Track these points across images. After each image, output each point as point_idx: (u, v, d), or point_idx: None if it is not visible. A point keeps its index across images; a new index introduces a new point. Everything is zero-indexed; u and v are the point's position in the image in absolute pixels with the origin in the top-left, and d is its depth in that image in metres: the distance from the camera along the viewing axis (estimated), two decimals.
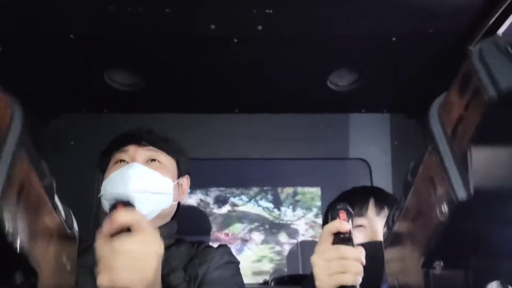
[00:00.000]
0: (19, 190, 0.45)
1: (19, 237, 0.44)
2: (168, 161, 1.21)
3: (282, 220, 5.07)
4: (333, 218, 0.94)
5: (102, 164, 1.23)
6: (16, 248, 0.44)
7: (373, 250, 1.06)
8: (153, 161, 1.18)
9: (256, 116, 1.76)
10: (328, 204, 1.35)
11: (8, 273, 0.49)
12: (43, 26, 1.22)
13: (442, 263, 0.54)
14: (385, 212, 1.19)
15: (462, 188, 0.46)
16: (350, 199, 1.25)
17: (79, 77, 1.51)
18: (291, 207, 5.02)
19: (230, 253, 1.18)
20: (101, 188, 1.17)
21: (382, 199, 1.22)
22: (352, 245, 0.89)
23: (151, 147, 1.19)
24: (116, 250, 0.67)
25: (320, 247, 0.90)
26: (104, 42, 1.31)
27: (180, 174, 1.24)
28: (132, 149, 1.18)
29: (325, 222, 1.31)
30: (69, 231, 0.67)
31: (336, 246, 0.88)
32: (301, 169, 2.49)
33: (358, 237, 1.16)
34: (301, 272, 2.70)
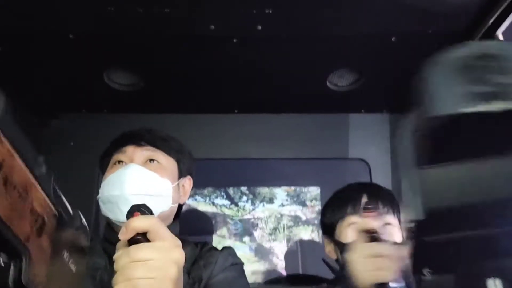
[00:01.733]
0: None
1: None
2: (167, 162, 1.17)
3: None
4: (363, 217, 0.96)
5: (102, 165, 1.21)
6: None
7: None
8: (151, 162, 1.15)
9: (255, 116, 1.76)
10: (325, 204, 1.35)
11: None
12: (43, 26, 1.22)
13: (430, 270, 0.54)
14: (382, 211, 1.18)
15: (415, 210, 0.47)
16: (344, 197, 1.25)
17: (79, 78, 1.51)
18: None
19: (234, 255, 1.16)
20: (99, 190, 1.14)
21: (375, 196, 1.22)
22: (382, 241, 0.91)
23: (150, 147, 1.15)
24: (133, 259, 0.65)
25: (355, 245, 0.93)
26: (104, 42, 1.31)
27: (181, 175, 1.20)
28: (130, 149, 1.15)
29: (323, 221, 1.31)
30: (74, 230, 0.66)
31: (371, 244, 0.90)
32: (300, 169, 2.49)
33: (353, 234, 1.16)
34: (300, 272, 2.70)
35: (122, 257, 0.66)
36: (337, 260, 1.24)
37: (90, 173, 1.65)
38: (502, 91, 0.43)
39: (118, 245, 0.68)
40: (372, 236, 0.91)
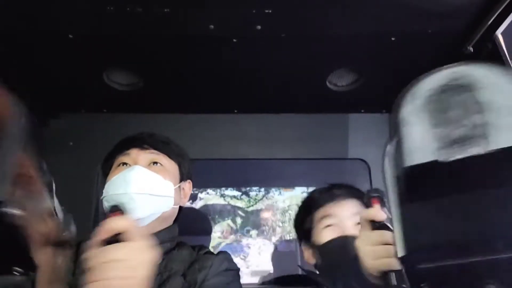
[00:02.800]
0: (22, 183, 0.46)
1: (22, 226, 0.45)
2: (170, 165, 1.21)
3: None
4: (367, 206, 0.96)
5: (105, 168, 1.24)
6: (19, 237, 0.44)
7: (343, 244, 1.11)
8: (155, 164, 1.19)
9: (255, 116, 1.76)
10: (296, 212, 1.35)
11: (9, 265, 0.49)
12: (42, 26, 1.22)
13: (427, 285, 0.54)
14: (358, 205, 1.19)
15: (400, 247, 0.48)
16: (317, 200, 1.26)
17: (78, 78, 1.51)
18: None
19: (230, 260, 1.18)
20: (104, 190, 1.17)
21: (349, 195, 1.24)
22: (390, 230, 0.90)
23: (153, 151, 1.19)
24: (107, 259, 0.66)
25: (363, 233, 0.93)
26: (103, 42, 1.30)
27: (182, 178, 1.24)
28: (134, 152, 1.19)
29: (297, 228, 1.31)
30: (65, 234, 0.66)
31: (380, 231, 0.90)
32: (300, 169, 2.49)
33: (330, 236, 1.17)
34: (300, 272, 2.70)
35: (96, 256, 0.67)
36: (315, 265, 1.25)
37: (90, 173, 1.65)
38: (477, 134, 0.43)
39: (92, 244, 0.70)
40: (380, 224, 0.91)
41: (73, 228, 0.70)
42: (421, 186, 0.46)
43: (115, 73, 1.51)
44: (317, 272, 1.25)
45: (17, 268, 0.49)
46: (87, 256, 0.68)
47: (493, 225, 0.44)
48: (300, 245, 1.33)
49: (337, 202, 1.22)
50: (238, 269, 1.19)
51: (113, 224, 0.69)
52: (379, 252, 0.88)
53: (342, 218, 1.20)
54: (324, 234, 1.19)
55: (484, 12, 1.16)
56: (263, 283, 2.57)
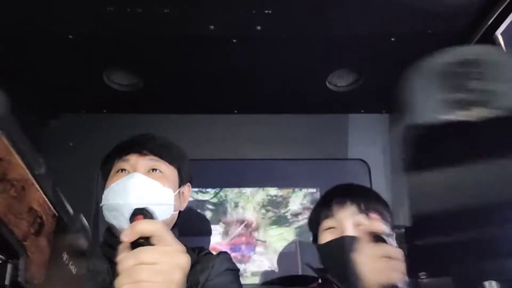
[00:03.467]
0: None
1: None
2: (169, 171, 1.20)
3: None
4: (365, 219, 0.97)
5: (104, 171, 1.23)
6: None
7: (341, 245, 1.10)
8: (154, 171, 1.18)
9: (255, 116, 1.76)
10: (312, 209, 1.35)
11: None
12: (42, 26, 1.22)
13: (425, 273, 0.54)
14: (363, 212, 1.19)
15: (403, 215, 0.48)
16: (324, 201, 1.25)
17: (78, 78, 1.51)
18: None
19: (230, 260, 1.19)
20: (103, 197, 1.16)
21: (358, 199, 1.21)
22: (388, 243, 0.92)
23: (152, 157, 1.18)
24: (139, 262, 0.64)
25: (362, 246, 0.93)
26: (103, 42, 1.31)
27: (181, 183, 1.23)
28: (133, 158, 1.17)
29: (310, 228, 1.31)
30: (75, 233, 0.66)
31: (380, 244, 0.90)
32: (299, 169, 2.49)
33: (328, 237, 1.17)
34: (300, 273, 2.70)
35: (128, 259, 0.65)
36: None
37: (90, 174, 1.65)
38: (482, 98, 0.43)
39: (121, 247, 0.68)
40: (379, 237, 0.92)
41: (87, 230, 0.69)
42: (426, 149, 0.46)
43: (115, 74, 1.51)
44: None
45: None
46: (118, 258, 0.67)
47: (491, 196, 0.44)
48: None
49: (340, 205, 1.21)
50: (238, 269, 1.20)
51: (140, 227, 0.67)
52: (380, 265, 0.88)
53: (344, 223, 1.20)
54: (325, 237, 1.19)
55: (484, 12, 1.16)
56: (263, 283, 2.57)
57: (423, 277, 0.54)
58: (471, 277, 0.52)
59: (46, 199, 0.57)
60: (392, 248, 0.91)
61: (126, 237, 0.67)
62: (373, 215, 0.97)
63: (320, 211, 1.23)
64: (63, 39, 1.26)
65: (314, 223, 1.25)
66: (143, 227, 0.67)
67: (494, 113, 0.42)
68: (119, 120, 1.72)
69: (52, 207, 0.58)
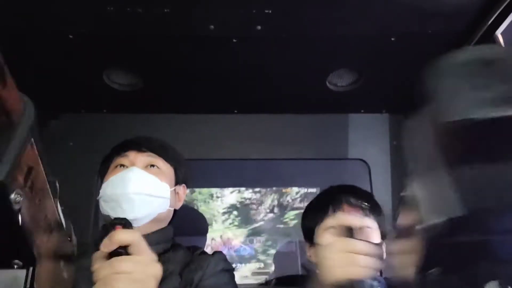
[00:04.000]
0: (26, 175, 0.46)
1: (25, 218, 0.45)
2: (166, 168, 1.24)
3: None
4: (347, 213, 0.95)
5: (102, 170, 1.27)
6: (20, 226, 0.44)
7: None
8: (152, 167, 1.22)
9: (255, 116, 1.76)
10: (305, 208, 1.35)
11: (8, 258, 0.49)
12: (42, 26, 1.22)
13: (438, 270, 0.54)
14: (361, 212, 1.18)
15: (454, 207, 0.47)
16: (322, 200, 1.25)
17: (78, 78, 1.50)
18: None
19: (225, 260, 1.20)
20: (100, 190, 1.19)
21: (356, 199, 1.21)
22: (362, 238, 0.89)
23: (150, 153, 1.23)
24: (116, 271, 0.67)
25: (331, 239, 0.91)
26: (103, 42, 1.30)
27: (177, 182, 1.27)
28: (132, 154, 1.22)
29: (303, 225, 1.31)
30: (68, 238, 0.66)
31: (344, 239, 0.87)
32: (299, 169, 2.49)
33: (331, 238, 1.16)
34: (300, 273, 2.70)
35: (104, 268, 0.67)
36: (317, 264, 1.24)
37: (90, 173, 1.65)
38: (510, 96, 0.43)
39: (96, 256, 0.70)
40: (348, 231, 0.88)
41: (73, 237, 0.70)
42: (474, 145, 0.45)
43: (115, 73, 1.51)
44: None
45: (16, 261, 0.49)
46: (94, 268, 0.69)
47: None
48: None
49: (342, 208, 1.20)
50: (233, 269, 1.21)
51: (119, 237, 0.69)
52: (343, 260, 0.84)
53: (347, 215, 1.19)
54: (325, 236, 1.18)
55: (484, 12, 1.16)
56: (263, 283, 2.57)
57: (435, 274, 0.54)
58: (478, 278, 0.52)
59: (55, 207, 0.58)
60: (359, 242, 0.86)
61: (106, 247, 0.69)
62: (358, 213, 0.95)
63: (319, 210, 1.22)
64: (63, 39, 1.26)
65: (311, 222, 1.24)
66: (122, 236, 0.70)
67: None
68: (119, 120, 1.72)
69: (57, 216, 0.59)
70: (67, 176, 1.58)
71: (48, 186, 0.54)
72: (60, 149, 1.68)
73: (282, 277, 2.42)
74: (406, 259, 0.69)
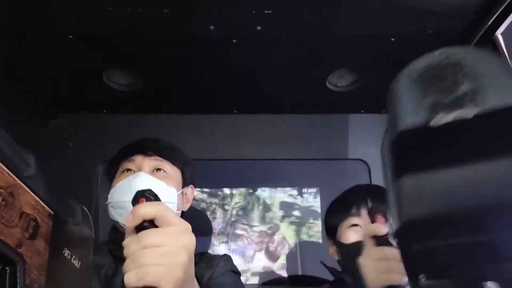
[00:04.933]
0: None
1: None
2: (173, 171, 1.24)
3: None
4: (372, 221, 0.97)
5: (109, 173, 1.27)
6: None
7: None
8: (158, 171, 1.22)
9: (255, 116, 1.76)
10: (329, 205, 1.35)
11: None
12: (42, 26, 1.22)
13: (425, 276, 0.54)
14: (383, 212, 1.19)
15: (395, 219, 0.48)
16: (347, 198, 1.26)
17: (78, 78, 1.51)
18: None
19: (233, 263, 1.21)
20: (109, 196, 1.20)
21: (380, 198, 1.22)
22: (392, 245, 0.92)
23: (157, 157, 1.22)
24: (143, 245, 0.62)
25: (366, 249, 0.94)
26: (103, 42, 1.30)
27: (184, 184, 1.27)
28: (138, 159, 1.22)
29: (326, 222, 1.31)
30: (73, 226, 0.65)
31: (380, 247, 0.91)
32: (299, 169, 2.49)
33: (353, 236, 1.17)
34: (300, 273, 2.70)
35: (132, 243, 0.64)
36: (338, 262, 1.25)
37: (90, 174, 1.65)
38: (471, 97, 0.43)
39: (126, 231, 0.67)
40: (382, 239, 0.92)
41: (87, 220, 0.68)
42: (414, 153, 0.46)
43: (115, 73, 1.51)
44: (340, 268, 1.25)
45: None
46: (124, 243, 0.65)
47: (487, 199, 0.44)
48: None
49: (367, 206, 1.21)
50: (240, 274, 1.22)
51: (141, 211, 0.65)
52: (383, 267, 0.89)
53: (368, 222, 1.20)
54: (349, 234, 1.18)
55: (484, 12, 1.16)
56: (264, 283, 2.57)
57: (422, 279, 0.54)
58: (470, 279, 0.51)
59: (39, 200, 0.56)
60: (391, 250, 0.91)
61: (129, 222, 0.65)
62: (378, 218, 0.97)
63: (343, 208, 1.23)
64: (63, 39, 1.26)
65: (334, 219, 1.25)
66: (145, 210, 0.65)
67: (483, 110, 0.42)
68: (119, 120, 1.72)
69: (46, 207, 0.58)
70: (67, 176, 1.58)
71: (19, 181, 0.53)
72: (60, 149, 1.68)
73: (282, 278, 2.41)
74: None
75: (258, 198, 3.14)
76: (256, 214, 3.05)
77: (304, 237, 3.01)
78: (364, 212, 1.19)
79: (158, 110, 1.72)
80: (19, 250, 0.50)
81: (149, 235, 0.63)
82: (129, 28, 1.23)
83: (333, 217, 1.25)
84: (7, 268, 0.49)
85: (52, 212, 0.59)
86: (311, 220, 3.06)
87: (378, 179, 1.71)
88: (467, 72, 0.46)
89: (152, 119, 1.72)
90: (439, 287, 0.53)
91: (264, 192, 3.10)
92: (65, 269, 0.62)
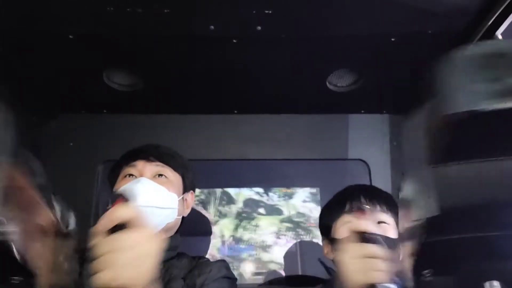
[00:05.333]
0: (5, 194, 0.45)
1: (15, 241, 0.44)
2: (174, 177, 1.25)
3: None
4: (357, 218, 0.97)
5: (111, 178, 1.28)
6: (13, 252, 0.44)
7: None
8: (160, 176, 1.22)
9: (255, 117, 1.76)
10: (324, 205, 1.35)
11: (8, 275, 0.49)
12: (42, 26, 1.22)
13: (430, 271, 0.54)
14: (378, 208, 1.19)
15: (425, 208, 0.47)
16: (340, 197, 1.26)
17: (78, 78, 1.50)
18: None
19: (228, 268, 1.21)
20: (110, 200, 1.19)
21: (373, 196, 1.23)
22: (378, 244, 0.91)
23: (158, 163, 1.23)
24: (114, 247, 0.64)
25: (347, 245, 0.93)
26: (103, 42, 1.30)
27: (185, 190, 1.28)
28: (140, 164, 1.22)
29: (321, 221, 1.32)
30: (65, 230, 0.66)
31: (363, 244, 0.90)
32: (299, 169, 2.49)
33: (347, 233, 1.17)
34: (300, 273, 2.69)
35: (103, 244, 0.65)
36: (333, 261, 1.25)
37: (90, 174, 1.65)
38: None
39: (96, 231, 0.68)
40: (364, 236, 0.91)
41: (72, 221, 0.70)
42: (464, 140, 0.44)
43: (115, 74, 1.51)
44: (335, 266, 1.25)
45: (15, 278, 0.49)
46: (93, 244, 0.66)
47: None
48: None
49: (361, 204, 1.21)
50: (235, 279, 1.23)
51: (117, 213, 0.67)
52: (362, 265, 0.88)
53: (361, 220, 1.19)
54: (342, 232, 1.19)
55: (484, 12, 1.16)
56: (264, 283, 2.57)
57: (428, 275, 0.53)
58: (473, 277, 0.51)
59: (48, 209, 0.57)
60: (377, 248, 0.90)
61: (104, 225, 0.67)
62: (363, 215, 0.97)
63: (336, 207, 1.23)
64: (63, 39, 1.26)
65: (328, 218, 1.25)
66: (122, 213, 0.68)
67: None
68: (119, 120, 1.72)
69: (53, 216, 0.59)
70: (67, 176, 1.58)
71: (34, 192, 0.54)
72: (60, 149, 1.68)
73: (283, 278, 2.42)
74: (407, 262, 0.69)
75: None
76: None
77: None
78: (353, 218, 1.19)
79: (158, 110, 1.72)
80: (37, 262, 0.51)
81: (121, 237, 0.65)
82: (129, 28, 1.23)
83: (328, 217, 1.26)
84: (26, 280, 0.50)
85: (57, 220, 0.60)
86: None
87: (378, 179, 1.71)
88: None
89: (152, 119, 1.72)
90: (442, 284, 0.53)
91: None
92: (60, 272, 0.63)
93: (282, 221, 3.27)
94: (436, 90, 0.45)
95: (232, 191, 3.27)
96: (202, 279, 1.12)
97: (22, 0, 1.12)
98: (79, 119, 1.73)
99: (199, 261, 1.21)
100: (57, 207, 0.66)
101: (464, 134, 0.44)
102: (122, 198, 0.71)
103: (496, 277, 0.51)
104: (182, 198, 1.26)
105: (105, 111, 1.72)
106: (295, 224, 3.27)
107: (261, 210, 3.20)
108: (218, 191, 3.24)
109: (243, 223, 3.16)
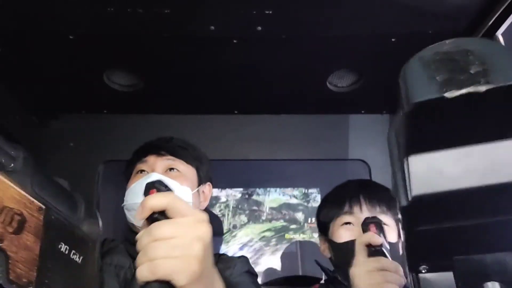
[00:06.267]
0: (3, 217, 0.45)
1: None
2: (187, 170, 1.23)
3: None
4: (364, 231, 0.98)
5: (126, 175, 1.27)
6: None
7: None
8: (171, 170, 1.21)
9: (255, 117, 1.76)
10: (321, 201, 1.35)
11: None
12: (42, 26, 1.22)
13: (427, 267, 0.54)
14: (377, 209, 1.18)
15: (403, 195, 0.47)
16: (339, 195, 1.25)
17: (79, 78, 1.51)
18: None
19: (250, 265, 1.22)
20: (124, 198, 1.21)
21: (373, 196, 1.21)
22: (386, 256, 0.93)
23: (170, 157, 1.22)
24: (154, 238, 0.59)
25: (358, 259, 0.95)
26: (104, 43, 1.31)
27: (200, 182, 1.26)
28: (151, 159, 1.21)
29: (318, 219, 1.31)
30: (64, 220, 0.64)
31: (376, 258, 0.92)
32: (300, 170, 2.49)
33: (346, 235, 1.16)
34: (300, 273, 2.70)
35: (144, 236, 0.61)
36: (330, 259, 1.25)
37: (90, 174, 1.65)
38: (483, 75, 0.43)
39: (141, 225, 0.64)
40: (376, 250, 0.93)
41: (80, 213, 0.68)
42: (429, 127, 0.45)
43: (115, 74, 1.52)
44: (332, 265, 1.26)
45: None
46: (136, 237, 0.62)
47: (501, 178, 0.43)
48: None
49: (360, 204, 1.19)
50: (257, 275, 1.23)
51: (150, 202, 0.62)
52: (376, 278, 0.90)
53: (361, 218, 1.19)
54: (341, 232, 1.18)
55: (484, 13, 1.16)
56: (264, 284, 2.57)
57: (424, 270, 0.53)
58: (473, 275, 0.51)
59: (25, 194, 0.55)
60: (388, 261, 0.92)
61: (138, 215, 0.62)
62: (372, 228, 0.97)
63: (335, 206, 1.22)
64: (63, 40, 1.26)
65: (326, 216, 1.24)
66: (153, 201, 0.62)
67: (495, 86, 0.42)
68: (120, 120, 1.72)
69: (35, 201, 0.57)
70: (67, 176, 1.58)
71: (27, 211, 0.53)
72: (61, 149, 1.68)
73: (283, 277, 2.42)
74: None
75: None
76: None
77: None
78: (356, 210, 1.18)
79: (158, 111, 1.72)
80: (1, 245, 0.50)
81: (159, 226, 0.60)
82: (129, 28, 1.23)
83: (326, 214, 1.25)
84: None
85: (43, 206, 0.58)
86: None
87: (378, 179, 1.70)
88: (478, 56, 0.46)
89: (152, 119, 1.72)
90: (441, 280, 0.53)
91: None
92: (63, 264, 0.60)
93: None
94: (402, 86, 0.46)
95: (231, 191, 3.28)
96: (228, 273, 1.12)
97: (22, 0, 1.12)
98: (79, 119, 1.73)
99: (220, 257, 1.20)
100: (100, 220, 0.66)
101: (434, 122, 0.45)
102: (154, 187, 0.65)
103: (494, 273, 0.51)
104: (198, 190, 1.23)
105: (105, 111, 1.72)
106: None
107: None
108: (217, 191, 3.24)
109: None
